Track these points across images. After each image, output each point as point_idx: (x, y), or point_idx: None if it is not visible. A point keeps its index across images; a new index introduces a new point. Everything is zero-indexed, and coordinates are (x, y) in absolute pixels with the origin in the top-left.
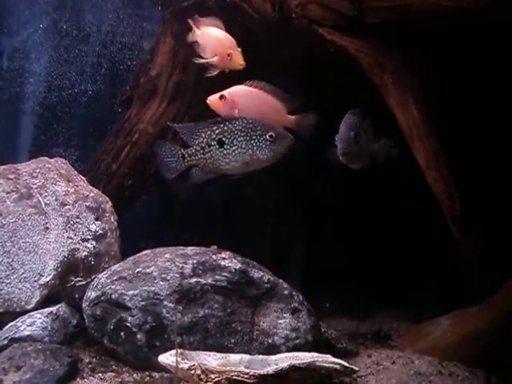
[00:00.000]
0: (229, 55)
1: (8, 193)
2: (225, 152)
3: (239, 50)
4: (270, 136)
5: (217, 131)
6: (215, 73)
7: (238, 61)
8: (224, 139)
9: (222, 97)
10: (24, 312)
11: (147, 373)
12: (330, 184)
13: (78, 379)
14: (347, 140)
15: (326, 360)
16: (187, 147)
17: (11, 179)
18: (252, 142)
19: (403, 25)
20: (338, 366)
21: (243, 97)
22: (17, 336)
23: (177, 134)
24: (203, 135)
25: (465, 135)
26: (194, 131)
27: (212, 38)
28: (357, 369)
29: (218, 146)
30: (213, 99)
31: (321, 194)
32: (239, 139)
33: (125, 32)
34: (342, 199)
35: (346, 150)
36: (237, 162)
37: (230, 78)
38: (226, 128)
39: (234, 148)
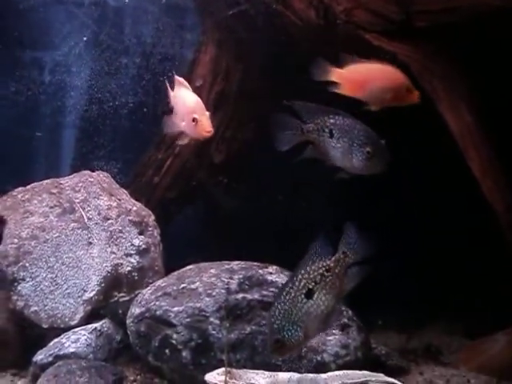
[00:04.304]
0: (194, 120)
1: (51, 207)
2: (332, 144)
3: (207, 114)
4: (368, 152)
5: (329, 121)
6: (185, 141)
7: (204, 127)
8: (334, 132)
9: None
10: (68, 328)
11: None
12: (381, 197)
13: None
14: None
15: (379, 379)
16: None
17: (54, 194)
18: (352, 148)
19: (452, 28)
20: None
21: None
22: (61, 353)
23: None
24: (320, 118)
25: None
26: (313, 111)
27: (180, 102)
28: None
29: (328, 135)
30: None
31: (370, 209)
32: (344, 139)
33: (165, 43)
34: (390, 213)
35: None
36: (339, 161)
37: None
38: (337, 122)
39: (338, 145)
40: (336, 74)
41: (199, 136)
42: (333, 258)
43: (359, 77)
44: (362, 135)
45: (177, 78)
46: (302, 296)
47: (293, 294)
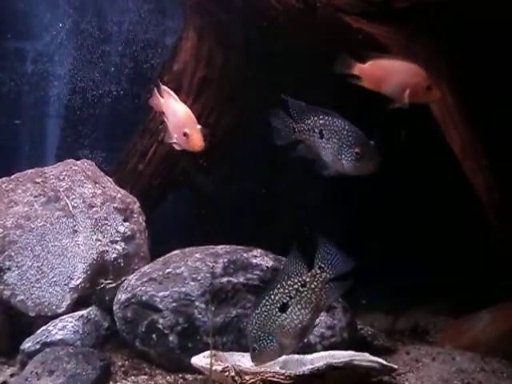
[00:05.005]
0: (185, 135)
1: (36, 196)
2: (322, 144)
3: (199, 127)
4: (356, 153)
5: (319, 122)
6: (179, 148)
7: (196, 142)
8: (324, 133)
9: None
10: (55, 316)
11: (180, 375)
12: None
13: (110, 383)
14: None
15: (364, 358)
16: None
17: (38, 183)
18: (342, 149)
19: (433, 8)
20: (376, 365)
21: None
22: (49, 340)
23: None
24: (311, 118)
25: (503, 123)
26: (305, 110)
27: (171, 114)
28: (395, 367)
29: (319, 136)
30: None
31: (356, 191)
32: (334, 140)
33: (147, 30)
34: (373, 196)
35: None
36: (329, 161)
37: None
38: (327, 123)
39: (328, 146)
40: (358, 69)
41: (191, 149)
42: (309, 274)
43: (380, 72)
44: (351, 136)
45: (163, 87)
46: (277, 310)
47: (268, 307)
